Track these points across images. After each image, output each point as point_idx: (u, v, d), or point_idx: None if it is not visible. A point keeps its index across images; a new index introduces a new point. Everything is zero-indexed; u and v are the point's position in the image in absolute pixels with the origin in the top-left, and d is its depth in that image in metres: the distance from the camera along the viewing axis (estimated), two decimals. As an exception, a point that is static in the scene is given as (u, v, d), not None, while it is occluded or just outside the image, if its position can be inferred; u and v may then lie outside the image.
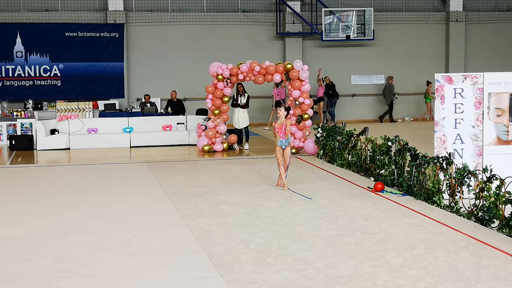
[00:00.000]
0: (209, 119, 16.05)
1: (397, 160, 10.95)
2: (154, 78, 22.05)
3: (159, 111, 19.88)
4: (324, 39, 22.43)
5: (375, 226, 8.43)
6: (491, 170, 8.48)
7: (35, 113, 19.11)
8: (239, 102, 16.14)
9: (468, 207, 8.82)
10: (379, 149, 11.58)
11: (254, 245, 7.54)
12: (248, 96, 16.42)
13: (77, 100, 19.92)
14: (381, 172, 11.35)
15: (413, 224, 8.51)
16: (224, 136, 16.15)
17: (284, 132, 11.01)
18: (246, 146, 16.48)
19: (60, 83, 21.36)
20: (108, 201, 10.38)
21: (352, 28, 22.53)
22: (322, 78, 22.22)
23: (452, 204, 9.18)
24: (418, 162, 10.13)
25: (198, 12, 22.44)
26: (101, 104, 20.43)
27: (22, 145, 16.90)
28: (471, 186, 8.91)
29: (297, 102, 15.54)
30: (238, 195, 10.58)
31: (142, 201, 10.27)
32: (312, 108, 16.24)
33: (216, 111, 15.88)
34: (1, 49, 20.80)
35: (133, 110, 19.86)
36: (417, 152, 10.43)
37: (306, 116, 15.52)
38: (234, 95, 16.36)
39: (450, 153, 9.92)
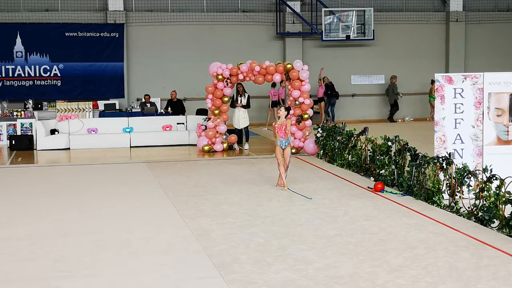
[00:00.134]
0: (209, 119, 16.05)
1: (397, 160, 10.95)
2: (154, 78, 22.05)
3: (159, 111, 19.88)
4: (324, 39, 22.43)
5: (375, 226, 8.43)
6: (491, 170, 8.48)
7: (35, 113, 19.11)
8: (239, 102, 16.13)
9: (468, 207, 8.82)
10: (379, 149, 11.58)
11: (254, 245, 7.54)
12: (249, 96, 16.43)
13: (77, 100, 19.92)
14: (381, 172, 11.35)
15: (413, 224, 8.51)
16: (224, 136, 16.15)
17: (284, 132, 11.02)
18: (246, 146, 16.48)
19: (60, 83, 21.36)
20: (108, 201, 10.38)
21: (352, 28, 22.53)
22: (321, 78, 22.22)
23: (452, 204, 9.18)
24: (418, 162, 10.13)
25: (198, 12, 22.44)
26: (101, 104, 20.43)
27: (22, 145, 16.90)
28: (471, 186, 8.92)
29: (297, 102, 15.54)
30: (238, 195, 10.58)
31: (142, 201, 10.27)
32: (312, 108, 16.24)
33: (216, 111, 15.88)
34: (1, 49, 20.80)
35: (133, 110, 19.86)
36: (417, 152, 10.43)
37: (306, 116, 15.52)
38: (234, 95, 16.35)
39: (450, 153, 9.92)
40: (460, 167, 9.16)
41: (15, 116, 18.27)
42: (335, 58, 23.35)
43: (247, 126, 16.51)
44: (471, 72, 11.79)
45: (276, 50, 22.88)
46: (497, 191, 8.14)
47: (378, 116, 23.72)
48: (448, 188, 9.40)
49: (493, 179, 8.36)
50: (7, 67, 20.93)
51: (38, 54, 21.11)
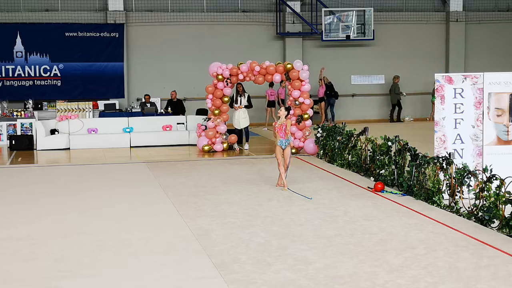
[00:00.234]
0: (209, 119, 16.05)
1: (397, 160, 10.95)
2: (154, 78, 22.04)
3: (159, 111, 19.88)
4: (324, 39, 22.43)
5: (375, 226, 8.43)
6: (491, 170, 8.48)
7: (35, 113, 19.11)
8: (238, 102, 16.12)
9: (468, 207, 8.82)
10: (379, 149, 11.58)
11: (254, 245, 7.54)
12: (249, 95, 16.43)
13: (77, 100, 19.91)
14: (381, 172, 11.35)
15: (413, 224, 8.51)
16: (224, 136, 16.15)
17: (284, 132, 11.02)
18: (246, 146, 16.48)
19: (60, 83, 21.36)
20: (108, 201, 10.38)
21: (352, 28, 22.53)
22: (322, 78, 22.21)
23: (452, 204, 9.18)
24: (418, 162, 10.13)
25: (198, 12, 22.43)
26: (101, 104, 20.43)
27: (22, 145, 16.90)
28: (471, 186, 8.91)
29: (297, 102, 15.53)
30: (238, 195, 10.58)
31: (142, 201, 10.27)
32: (312, 108, 16.24)
33: (216, 111, 15.88)
34: (1, 49, 20.79)
35: (133, 110, 19.86)
36: (417, 152, 10.43)
37: (306, 116, 15.52)
38: (233, 95, 16.35)
39: (450, 153, 9.92)
40: (460, 167, 9.16)
41: (15, 116, 18.28)
42: (335, 58, 23.34)
43: (247, 126, 16.51)
44: (471, 72, 11.78)
45: (276, 50, 22.88)
46: (497, 191, 8.14)
47: (378, 116, 23.71)
48: (448, 188, 9.40)
49: (493, 179, 8.36)
50: (7, 67, 20.93)
51: (38, 54, 21.11)
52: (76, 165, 14.30)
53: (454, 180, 9.19)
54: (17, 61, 20.98)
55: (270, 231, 8.22)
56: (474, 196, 8.70)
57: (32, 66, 21.11)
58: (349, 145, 13.14)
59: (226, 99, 15.92)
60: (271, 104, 21.40)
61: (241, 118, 16.21)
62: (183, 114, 19.44)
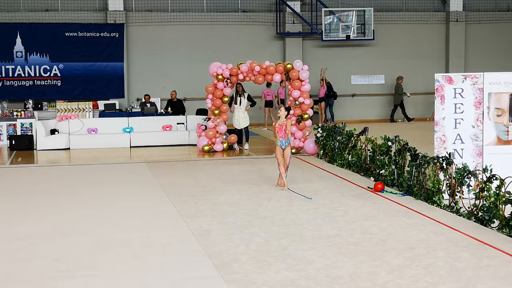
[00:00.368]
0: (209, 119, 16.05)
1: (397, 160, 10.95)
2: (154, 78, 22.05)
3: (159, 111, 19.88)
4: (324, 39, 22.42)
5: (375, 226, 8.43)
6: (491, 170, 8.48)
7: (35, 113, 19.11)
8: (238, 102, 16.11)
9: (468, 207, 8.82)
10: (379, 149, 11.58)
11: (254, 245, 7.54)
12: (249, 95, 16.43)
13: (77, 100, 19.89)
14: (381, 172, 11.35)
15: (413, 224, 8.50)
16: (224, 136, 16.15)
17: (284, 132, 11.01)
18: (246, 146, 16.48)
19: (60, 83, 21.36)
20: (108, 201, 10.37)
21: (352, 28, 22.53)
22: (323, 78, 22.20)
23: (452, 204, 9.18)
24: (418, 162, 10.13)
25: (198, 12, 22.43)
26: (101, 104, 20.42)
27: (22, 145, 16.90)
28: (471, 186, 8.91)
29: (297, 102, 15.53)
30: (238, 195, 10.57)
31: (142, 201, 10.27)
32: (312, 108, 16.24)
33: (216, 111, 15.88)
34: (1, 49, 20.79)
35: (133, 110, 19.85)
36: (417, 152, 10.43)
37: (306, 116, 15.52)
38: (233, 95, 16.34)
39: (450, 153, 9.92)
40: (460, 167, 9.16)
41: (15, 116, 18.27)
42: (335, 58, 23.34)
43: (247, 126, 16.51)
44: (471, 72, 11.79)
45: (276, 50, 22.88)
46: (497, 191, 8.14)
47: (378, 116, 23.70)
48: (448, 188, 9.40)
49: (493, 179, 8.36)
50: (7, 67, 20.92)
51: (38, 54, 21.11)
52: (76, 165, 14.29)
53: (454, 180, 9.19)
54: (17, 61, 20.98)
55: (270, 231, 8.21)
56: (474, 196, 8.70)
57: (32, 66, 21.11)
58: (349, 145, 13.14)
59: (226, 99, 15.92)
60: (268, 104, 21.42)
61: (241, 118, 16.21)
62: (183, 114, 19.44)
